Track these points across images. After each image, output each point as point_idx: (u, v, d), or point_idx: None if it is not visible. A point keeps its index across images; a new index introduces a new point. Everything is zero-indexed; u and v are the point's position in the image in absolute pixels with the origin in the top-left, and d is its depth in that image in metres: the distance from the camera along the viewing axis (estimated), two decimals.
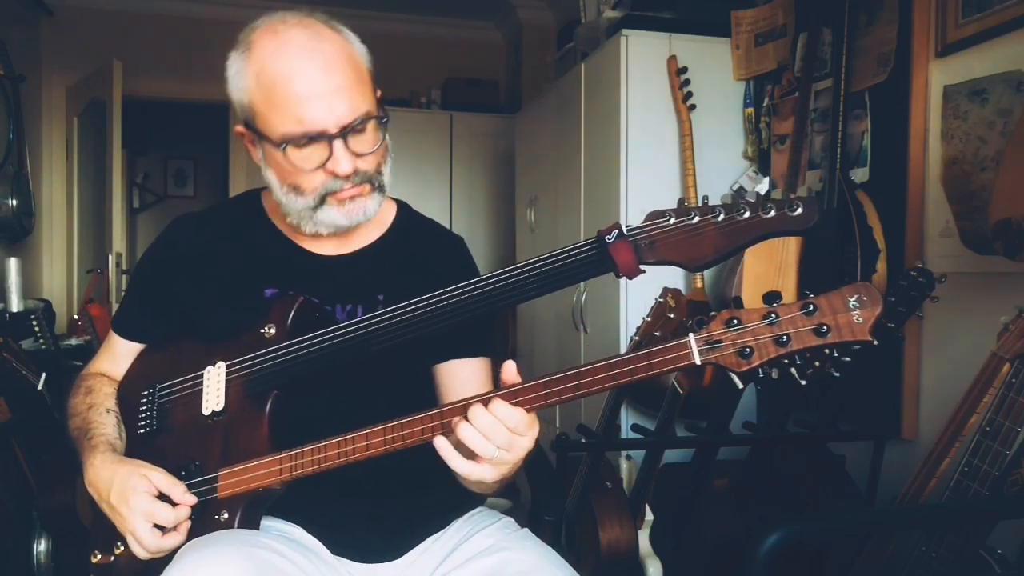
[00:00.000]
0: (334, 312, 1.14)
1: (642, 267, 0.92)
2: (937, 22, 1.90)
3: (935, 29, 1.90)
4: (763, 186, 2.57)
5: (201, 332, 1.14)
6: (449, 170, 4.69)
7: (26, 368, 2.13)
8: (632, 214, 2.55)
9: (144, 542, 0.99)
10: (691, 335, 0.83)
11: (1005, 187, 1.47)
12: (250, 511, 1.01)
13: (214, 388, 1.07)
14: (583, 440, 1.84)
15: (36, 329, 2.75)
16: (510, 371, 0.90)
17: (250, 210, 1.22)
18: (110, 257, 4.05)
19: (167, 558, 0.94)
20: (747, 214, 0.88)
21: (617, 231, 0.92)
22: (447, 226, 1.29)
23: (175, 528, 1.00)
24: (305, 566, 1.00)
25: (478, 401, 0.87)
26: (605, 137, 2.68)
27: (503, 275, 0.96)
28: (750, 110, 2.63)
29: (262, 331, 1.06)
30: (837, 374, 1.57)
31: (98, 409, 1.16)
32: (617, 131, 2.58)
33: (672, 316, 1.62)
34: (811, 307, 0.80)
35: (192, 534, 0.99)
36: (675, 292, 1.64)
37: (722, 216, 0.89)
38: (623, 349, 2.20)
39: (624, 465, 2.27)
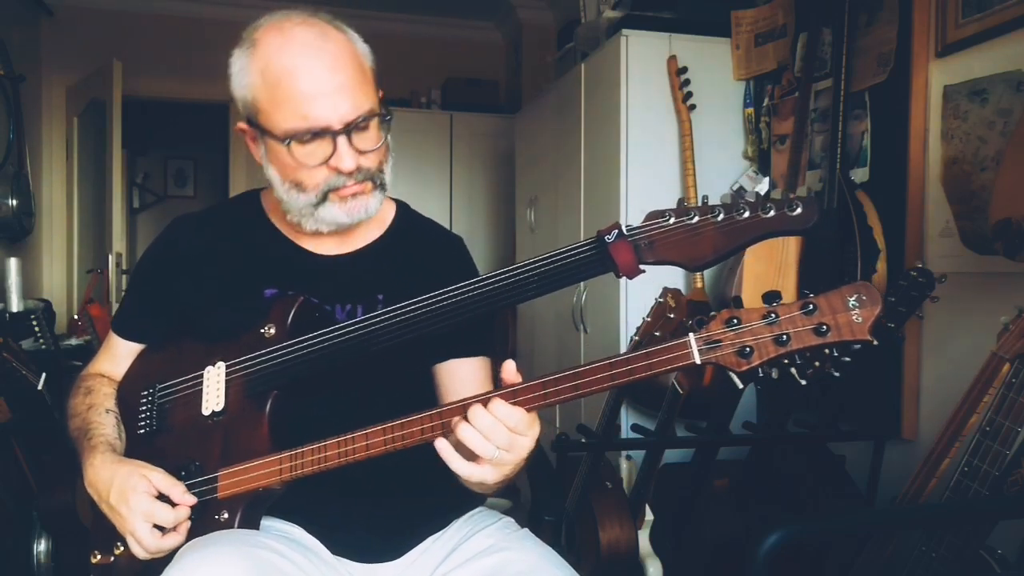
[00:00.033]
0: (333, 312, 1.14)
1: (642, 267, 0.92)
2: (937, 22, 1.90)
3: (935, 29, 1.90)
4: (763, 186, 2.57)
5: (201, 332, 1.14)
6: (449, 170, 4.69)
7: (26, 368, 2.13)
8: (632, 214, 2.55)
9: (144, 542, 0.99)
10: (691, 335, 0.83)
11: (1005, 187, 1.47)
12: (250, 511, 1.00)
13: (214, 388, 1.07)
14: (583, 440, 1.84)
15: (36, 329, 2.75)
16: (510, 370, 0.89)
17: (250, 210, 1.22)
18: (110, 257, 4.05)
19: (167, 558, 0.94)
20: (747, 214, 0.88)
21: (617, 231, 0.92)
22: (447, 226, 1.29)
23: (175, 528, 1.00)
24: (305, 566, 0.99)
25: (477, 401, 0.87)
26: (605, 137, 2.68)
27: (503, 275, 0.96)
28: (750, 110, 2.63)
29: (262, 331, 1.06)
30: (837, 374, 1.57)
31: (98, 409, 1.16)
32: (617, 131, 2.58)
33: (672, 316, 1.62)
34: (811, 307, 0.80)
35: (192, 534, 0.99)
36: (675, 292, 1.64)
37: (722, 216, 0.89)
38: (623, 349, 2.20)
39: (624, 465, 2.27)
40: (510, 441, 0.87)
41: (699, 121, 2.54)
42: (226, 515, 1.00)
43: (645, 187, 2.57)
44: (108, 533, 1.07)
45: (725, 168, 2.63)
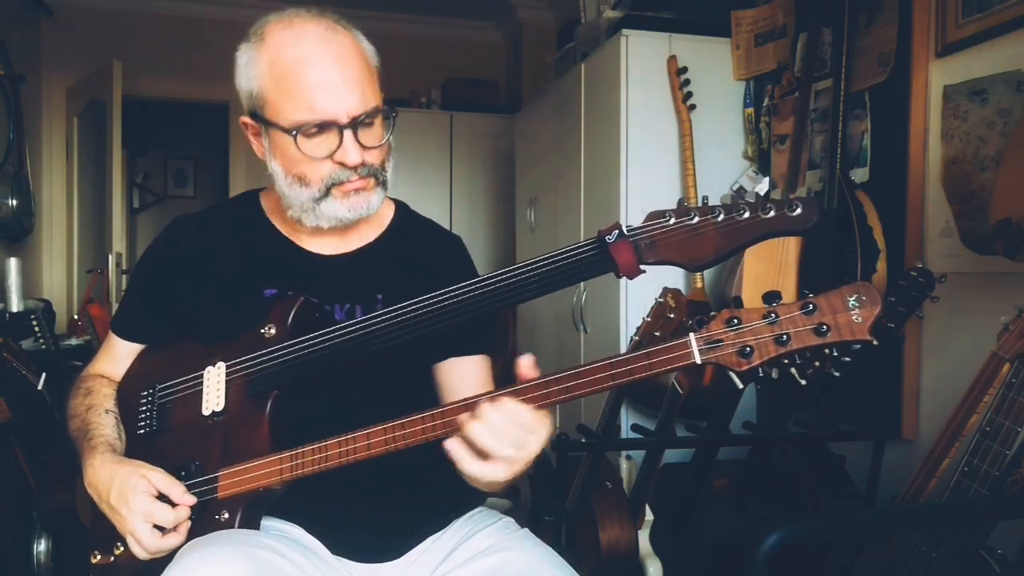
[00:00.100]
0: (332, 312, 1.14)
1: (642, 267, 0.92)
2: (937, 22, 1.90)
3: (935, 29, 1.90)
4: (763, 186, 2.57)
5: (201, 332, 1.14)
6: (449, 170, 4.69)
7: (26, 368, 2.13)
8: (632, 214, 2.55)
9: (144, 542, 0.99)
10: (691, 335, 0.83)
11: (1005, 187, 1.47)
12: (250, 511, 1.00)
13: (214, 388, 1.07)
14: (583, 440, 1.84)
15: (36, 329, 2.75)
16: (527, 365, 0.89)
17: (249, 210, 1.22)
18: (110, 257, 4.05)
19: (167, 558, 0.94)
20: (747, 214, 0.88)
21: (617, 231, 0.92)
22: (447, 226, 1.29)
23: (175, 529, 1.00)
24: (305, 566, 0.99)
25: (484, 399, 0.87)
26: (605, 137, 2.68)
27: (504, 275, 0.96)
28: (750, 110, 2.63)
29: (262, 331, 1.06)
30: (837, 374, 1.57)
31: (97, 410, 1.16)
32: (617, 131, 2.58)
33: (672, 316, 1.62)
34: (811, 307, 0.80)
35: (192, 534, 0.99)
36: (675, 292, 1.64)
37: (722, 216, 0.89)
38: (623, 349, 2.20)
39: (624, 465, 2.27)
40: (522, 439, 0.87)
41: (699, 121, 2.54)
42: (226, 515, 0.99)
43: (645, 187, 2.57)
44: (108, 533, 1.07)
45: (725, 168, 2.63)
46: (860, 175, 2.13)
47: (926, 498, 1.39)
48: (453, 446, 0.88)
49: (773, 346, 0.80)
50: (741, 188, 2.61)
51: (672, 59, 2.56)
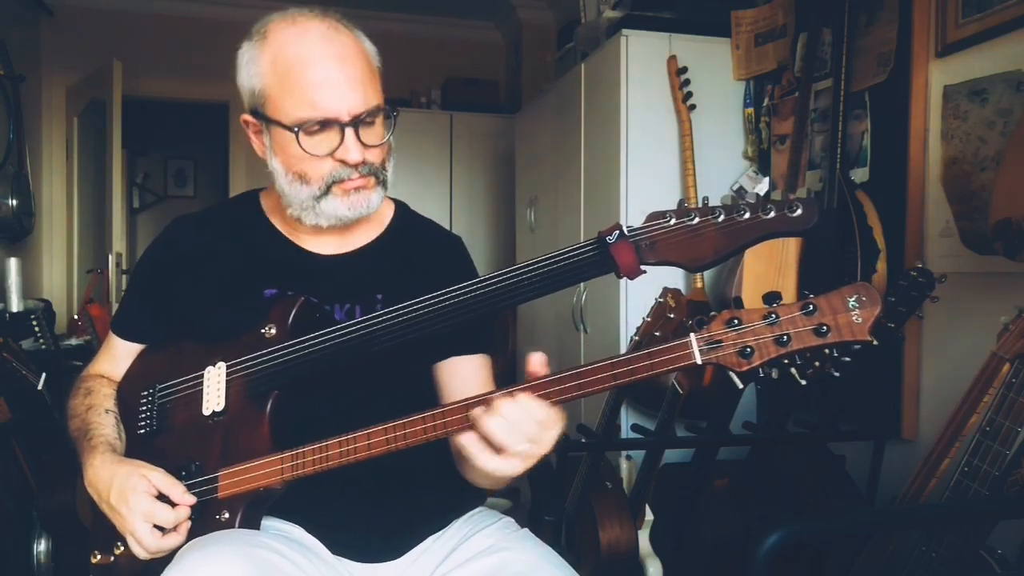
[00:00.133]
0: (332, 312, 1.14)
1: (643, 267, 0.92)
2: (937, 22, 1.90)
3: (935, 29, 1.91)
4: (763, 186, 2.57)
5: (201, 332, 1.14)
6: (449, 170, 4.69)
7: (26, 368, 2.13)
8: (632, 214, 2.55)
9: (144, 542, 0.99)
10: (692, 335, 0.83)
11: (1005, 187, 1.47)
12: (251, 511, 1.00)
13: (215, 388, 1.07)
14: (583, 440, 1.84)
15: (36, 329, 2.75)
16: (538, 363, 0.88)
17: (249, 210, 1.22)
18: (110, 257, 4.05)
19: (167, 558, 0.94)
20: (747, 215, 0.88)
21: (618, 232, 0.92)
22: (447, 226, 1.29)
23: (175, 528, 1.00)
24: (305, 566, 0.99)
25: (500, 395, 0.87)
26: (605, 137, 2.68)
27: (505, 275, 0.97)
28: (750, 110, 2.63)
29: (263, 331, 1.06)
30: (837, 374, 1.57)
31: (97, 410, 1.16)
32: (617, 131, 2.58)
33: (672, 316, 1.62)
34: (811, 307, 0.80)
35: (193, 534, 0.99)
36: (675, 292, 1.64)
37: (722, 217, 0.89)
38: (623, 349, 2.20)
39: (624, 465, 2.27)
40: (538, 434, 0.87)
41: (699, 121, 2.54)
42: (227, 515, 0.99)
43: (645, 187, 2.57)
44: (108, 533, 1.07)
45: (725, 168, 2.63)
46: (860, 175, 2.13)
47: (926, 498, 1.39)
48: (468, 441, 0.88)
49: (773, 346, 0.80)
50: (741, 188, 2.61)
51: (672, 59, 2.56)
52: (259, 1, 2.05)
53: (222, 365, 1.08)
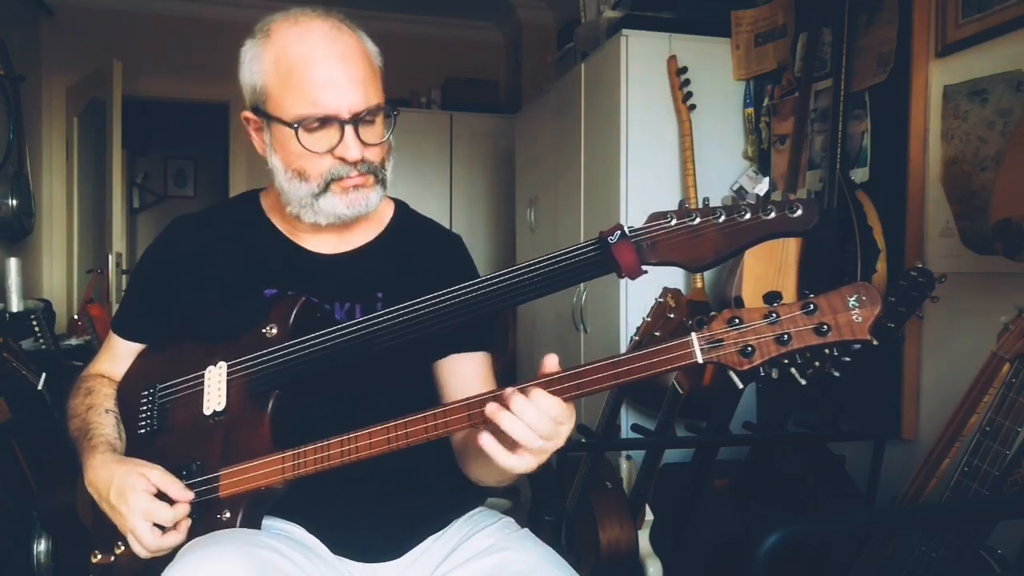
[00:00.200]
0: (333, 311, 1.14)
1: (644, 268, 0.92)
2: (937, 22, 1.90)
3: (935, 29, 1.91)
4: (763, 186, 2.57)
5: (201, 332, 1.14)
6: (449, 170, 4.69)
7: (26, 368, 2.13)
8: (632, 214, 2.56)
9: (144, 541, 0.99)
10: (693, 334, 0.83)
11: (1005, 187, 1.47)
12: (252, 510, 1.01)
13: (215, 388, 1.07)
14: (583, 440, 1.84)
15: (36, 329, 2.75)
16: (551, 365, 0.89)
17: (249, 210, 1.23)
18: (110, 257, 4.05)
19: (168, 557, 0.94)
20: (748, 216, 0.89)
21: (620, 232, 0.92)
22: (447, 226, 1.29)
23: (175, 527, 1.00)
24: (306, 566, 1.00)
25: (512, 392, 0.87)
26: (605, 137, 2.69)
27: (506, 275, 0.97)
28: (750, 110, 2.63)
29: (263, 331, 1.06)
30: (837, 374, 1.57)
31: (97, 410, 1.16)
32: (617, 131, 2.58)
33: (672, 316, 1.62)
34: (811, 306, 0.80)
35: (194, 533, 0.99)
36: (675, 292, 1.64)
37: (723, 217, 0.89)
38: (623, 349, 2.20)
39: (624, 465, 2.27)
40: (554, 431, 0.87)
41: (699, 121, 2.55)
42: (228, 514, 1.00)
43: (645, 187, 2.57)
44: (108, 533, 1.07)
45: (725, 168, 2.63)
46: (860, 175, 2.13)
47: (926, 498, 1.39)
48: (487, 441, 0.88)
49: (774, 346, 0.80)
50: (741, 188, 2.61)
51: (672, 59, 2.56)
52: (260, 1, 2.05)
53: (223, 365, 1.08)
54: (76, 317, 3.61)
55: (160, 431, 1.12)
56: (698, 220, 0.90)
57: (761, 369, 0.83)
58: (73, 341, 3.32)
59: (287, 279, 1.14)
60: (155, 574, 0.93)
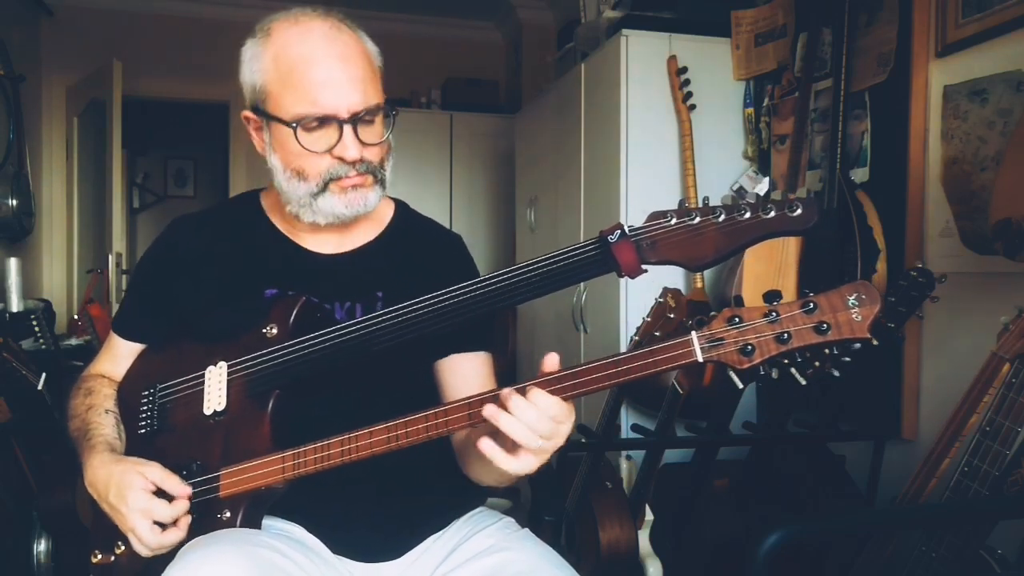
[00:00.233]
0: (333, 310, 1.14)
1: (644, 267, 0.92)
2: (937, 22, 1.90)
3: (935, 29, 1.91)
4: (763, 186, 2.57)
5: (201, 332, 1.14)
6: (449, 170, 4.69)
7: (26, 368, 2.13)
8: (632, 214, 2.56)
9: (144, 539, 0.99)
10: (693, 333, 0.83)
11: (1005, 187, 1.47)
12: (252, 510, 1.01)
13: (216, 388, 1.07)
14: (583, 440, 1.84)
15: (36, 329, 2.75)
16: (551, 364, 0.89)
17: (249, 210, 1.23)
18: (110, 257, 4.05)
19: (168, 557, 0.94)
20: (747, 215, 0.89)
21: (620, 231, 0.92)
22: (447, 226, 1.30)
23: (175, 524, 1.00)
24: (306, 565, 1.00)
25: (510, 392, 0.87)
26: (605, 137, 2.69)
27: (506, 275, 0.97)
28: (750, 110, 2.63)
29: (264, 331, 1.06)
30: (837, 374, 1.57)
31: (97, 410, 1.16)
32: (617, 131, 2.58)
33: (672, 316, 1.62)
34: (811, 305, 0.80)
35: (194, 533, 0.99)
36: (675, 292, 1.64)
37: (723, 217, 0.89)
38: (623, 349, 2.20)
39: (624, 465, 2.27)
40: (553, 430, 0.87)
41: (699, 121, 2.54)
42: (228, 514, 1.00)
43: (645, 187, 2.57)
44: (108, 532, 1.07)
45: (725, 168, 2.63)
46: (860, 175, 2.13)
47: (926, 498, 1.39)
48: (486, 446, 0.88)
49: (774, 344, 0.80)
50: (741, 188, 2.61)
51: (672, 59, 2.56)
52: (260, 1, 2.05)
53: (223, 365, 1.08)
54: (76, 317, 3.61)
55: (160, 431, 1.12)
56: (698, 219, 0.90)
57: (761, 368, 0.83)
58: (73, 341, 3.32)
59: (287, 279, 1.14)
60: (155, 574, 0.93)
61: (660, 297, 1.65)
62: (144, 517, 0.99)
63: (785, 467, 1.91)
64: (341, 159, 1.05)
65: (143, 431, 1.13)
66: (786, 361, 0.82)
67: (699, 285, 2.52)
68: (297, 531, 1.09)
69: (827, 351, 1.53)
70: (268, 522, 1.07)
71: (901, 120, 1.99)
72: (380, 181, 1.10)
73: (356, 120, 1.04)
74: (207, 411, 1.07)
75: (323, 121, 1.04)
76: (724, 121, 2.65)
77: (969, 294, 1.78)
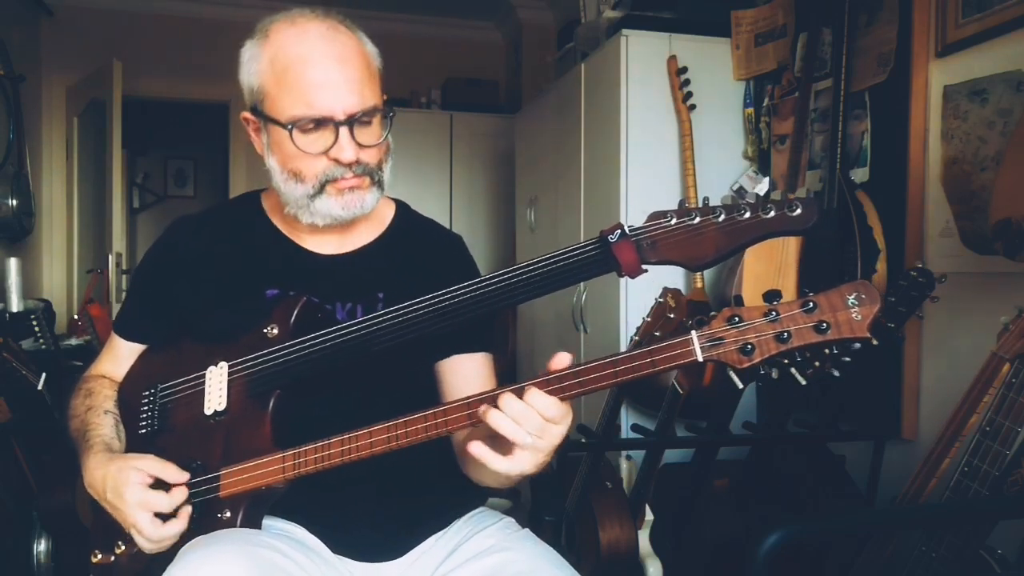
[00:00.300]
0: (334, 311, 1.14)
1: (644, 267, 0.92)
2: (937, 22, 1.90)
3: (935, 29, 1.91)
4: (763, 186, 2.58)
5: (202, 333, 1.14)
6: (449, 170, 4.69)
7: (26, 368, 2.13)
8: (632, 214, 2.56)
9: (145, 532, 0.99)
10: (693, 332, 0.83)
11: (1005, 187, 1.47)
12: (252, 510, 1.01)
13: (216, 388, 1.07)
14: (583, 440, 1.84)
15: (36, 329, 2.75)
16: (561, 361, 0.89)
17: (250, 211, 1.23)
18: (110, 257, 4.05)
19: (169, 557, 0.94)
20: (747, 215, 0.89)
21: (620, 231, 0.92)
22: (447, 226, 1.30)
23: (175, 514, 1.00)
24: (306, 565, 1.00)
25: (506, 392, 0.87)
26: (605, 137, 2.69)
27: (507, 274, 0.97)
28: (750, 110, 2.63)
29: (265, 331, 1.06)
30: (837, 374, 1.57)
31: (97, 411, 1.16)
32: (617, 131, 2.58)
33: (672, 316, 1.62)
34: (811, 305, 0.80)
35: (194, 533, 0.99)
36: (675, 292, 1.64)
37: (723, 217, 0.89)
38: (623, 349, 2.20)
39: (624, 465, 2.27)
40: (541, 426, 0.87)
41: (699, 121, 2.55)
42: (228, 514, 1.00)
43: (645, 187, 2.57)
44: (108, 532, 1.07)
45: (725, 168, 2.63)
46: (860, 175, 2.13)
47: (926, 498, 1.39)
48: (476, 449, 0.88)
49: (774, 343, 0.80)
50: (741, 188, 2.61)
51: (672, 59, 2.56)
52: (259, 1, 2.05)
53: (224, 365, 1.08)
54: (76, 317, 3.60)
55: (161, 431, 1.12)
56: (698, 219, 0.90)
57: (761, 368, 0.83)
58: (73, 341, 3.32)
59: (288, 280, 1.14)
60: (156, 574, 0.93)
61: (660, 297, 1.65)
62: (144, 510, 0.99)
63: (785, 467, 1.91)
64: (337, 161, 1.05)
65: (144, 431, 1.13)
66: (786, 361, 0.82)
67: (699, 285, 2.52)
68: (297, 531, 1.09)
69: (827, 351, 1.53)
70: (268, 522, 1.07)
71: (901, 120, 1.99)
72: (378, 183, 1.10)
73: (352, 122, 1.04)
74: (208, 411, 1.07)
75: (319, 123, 1.04)
76: (724, 121, 2.65)
77: (969, 294, 1.78)
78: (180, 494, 1.01)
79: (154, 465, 1.02)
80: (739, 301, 0.87)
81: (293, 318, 1.06)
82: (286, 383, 1.04)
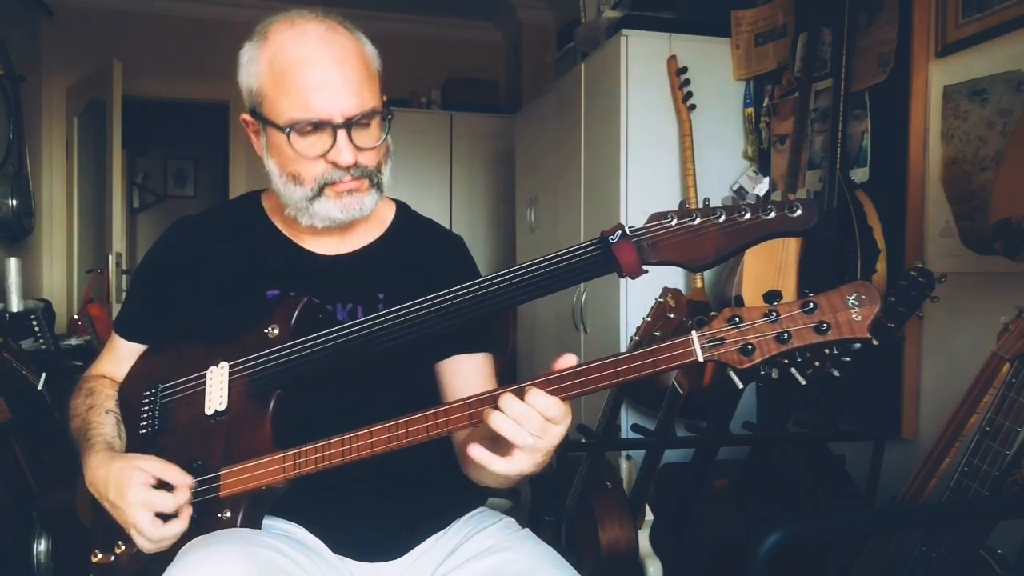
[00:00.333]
0: (335, 312, 1.14)
1: (645, 267, 0.92)
2: (937, 22, 1.90)
3: (935, 29, 1.91)
4: (763, 186, 2.58)
5: (203, 333, 1.14)
6: (449, 170, 4.69)
7: (26, 368, 2.13)
8: (632, 214, 2.56)
9: (146, 532, 0.99)
10: (694, 332, 0.83)
11: (1005, 187, 1.47)
12: (252, 510, 1.01)
13: (217, 388, 1.08)
14: (583, 440, 1.84)
15: (36, 329, 2.75)
16: (567, 362, 0.89)
17: (250, 211, 1.23)
18: (110, 257, 4.05)
19: (169, 557, 0.94)
20: (748, 215, 0.89)
21: (620, 232, 0.92)
22: (447, 226, 1.30)
23: (176, 515, 1.00)
24: (307, 565, 1.00)
25: (506, 392, 0.87)
26: (605, 137, 2.69)
27: (508, 275, 0.97)
28: (750, 110, 2.63)
29: (266, 331, 1.07)
30: (837, 374, 1.57)
31: (98, 410, 1.16)
32: (617, 131, 2.58)
33: (672, 316, 1.62)
34: (811, 305, 0.80)
35: (194, 533, 0.99)
36: (675, 292, 1.64)
37: (723, 217, 0.89)
38: (623, 349, 2.20)
39: (624, 465, 2.27)
40: (542, 427, 0.87)
41: (699, 121, 2.55)
42: (228, 514, 1.00)
43: (645, 187, 2.57)
44: (108, 532, 1.07)
45: (725, 168, 2.63)
46: (860, 175, 2.13)
47: (926, 498, 1.39)
48: (478, 452, 0.88)
49: (774, 344, 0.81)
50: (741, 188, 2.61)
51: (672, 59, 2.56)
52: (259, 1, 2.05)
53: (224, 365, 1.08)
54: (76, 317, 3.60)
55: (162, 431, 1.12)
56: (698, 220, 0.90)
57: (761, 368, 0.83)
58: (73, 341, 3.32)
59: (289, 280, 1.14)
60: (156, 574, 0.93)
61: (660, 297, 1.65)
62: (145, 510, 0.99)
63: (785, 467, 1.91)
64: (335, 164, 1.05)
65: (144, 431, 1.13)
66: (786, 361, 0.82)
67: (699, 285, 2.52)
68: (298, 531, 1.09)
69: (827, 351, 1.53)
70: (269, 522, 1.07)
71: (901, 120, 1.99)
72: (377, 185, 1.10)
73: (350, 125, 1.04)
74: (208, 411, 1.07)
75: (317, 126, 1.03)
76: (724, 121, 2.65)
77: (969, 294, 1.78)
78: (183, 495, 1.01)
79: (158, 466, 1.02)
80: (739, 301, 0.87)
81: (294, 318, 1.06)
82: (287, 383, 1.04)
